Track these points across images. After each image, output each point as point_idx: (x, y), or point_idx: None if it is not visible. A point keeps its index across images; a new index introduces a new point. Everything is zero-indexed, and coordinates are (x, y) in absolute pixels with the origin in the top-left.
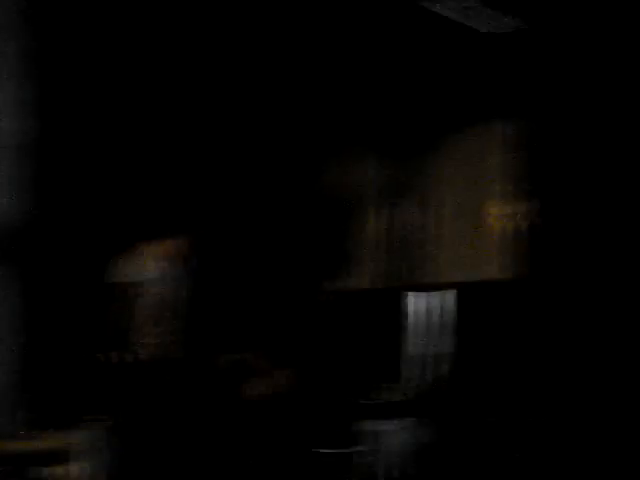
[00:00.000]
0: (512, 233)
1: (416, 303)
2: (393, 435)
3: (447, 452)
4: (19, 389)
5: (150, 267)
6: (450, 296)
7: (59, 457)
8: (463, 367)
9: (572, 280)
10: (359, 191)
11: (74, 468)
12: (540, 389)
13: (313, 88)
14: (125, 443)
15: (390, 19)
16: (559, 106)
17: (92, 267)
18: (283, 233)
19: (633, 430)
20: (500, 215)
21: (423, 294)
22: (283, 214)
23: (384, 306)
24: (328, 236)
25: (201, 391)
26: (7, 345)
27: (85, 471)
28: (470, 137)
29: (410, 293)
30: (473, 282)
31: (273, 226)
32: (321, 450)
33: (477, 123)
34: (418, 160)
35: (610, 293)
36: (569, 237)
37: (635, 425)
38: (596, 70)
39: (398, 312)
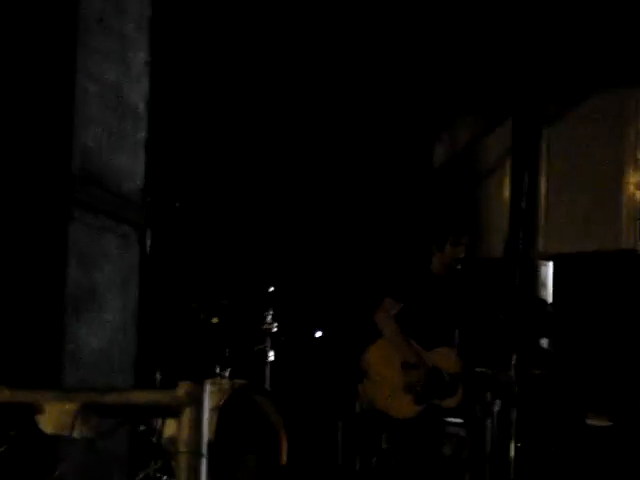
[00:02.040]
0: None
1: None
2: None
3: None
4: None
5: None
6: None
7: (168, 412)
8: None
9: None
10: (486, 158)
11: (185, 423)
12: None
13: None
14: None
15: None
16: None
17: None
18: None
19: None
20: (630, 184)
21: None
22: (407, 181)
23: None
24: (453, 205)
25: None
26: (126, 307)
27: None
28: (606, 104)
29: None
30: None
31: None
32: None
33: (614, 90)
34: (551, 127)
35: None
36: None
37: None
38: None
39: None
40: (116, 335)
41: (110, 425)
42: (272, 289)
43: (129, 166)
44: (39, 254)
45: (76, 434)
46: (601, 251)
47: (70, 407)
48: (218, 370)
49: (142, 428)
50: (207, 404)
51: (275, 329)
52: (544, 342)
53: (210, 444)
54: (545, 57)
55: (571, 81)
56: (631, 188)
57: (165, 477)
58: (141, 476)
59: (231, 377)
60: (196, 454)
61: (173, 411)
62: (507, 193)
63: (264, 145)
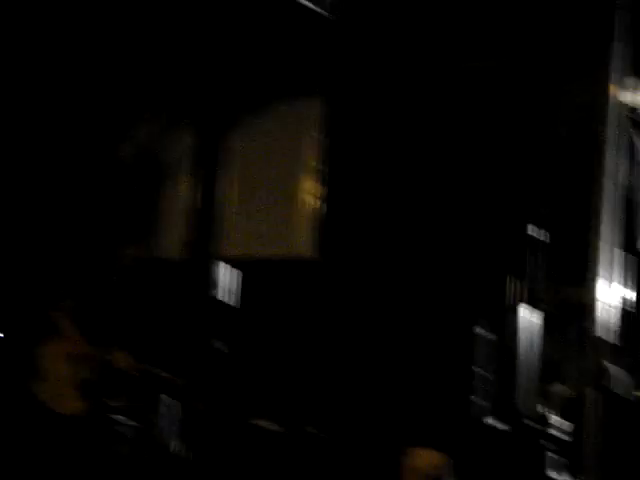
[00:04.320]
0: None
1: (225, 275)
2: None
3: None
4: None
5: None
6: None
7: None
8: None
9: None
10: (167, 159)
11: None
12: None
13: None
14: None
15: None
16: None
17: None
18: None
19: None
20: (306, 193)
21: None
22: (90, 178)
23: (189, 276)
24: (133, 203)
25: None
26: None
27: None
28: (288, 114)
29: (221, 264)
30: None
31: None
32: None
33: (295, 100)
34: (227, 133)
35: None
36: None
37: None
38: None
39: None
40: None
41: None
42: None
43: None
44: None
45: None
46: (279, 257)
47: None
48: None
49: None
50: None
51: None
52: (219, 345)
53: None
54: (227, 67)
55: (253, 92)
56: (309, 197)
57: None
58: None
59: None
60: None
61: None
62: (188, 194)
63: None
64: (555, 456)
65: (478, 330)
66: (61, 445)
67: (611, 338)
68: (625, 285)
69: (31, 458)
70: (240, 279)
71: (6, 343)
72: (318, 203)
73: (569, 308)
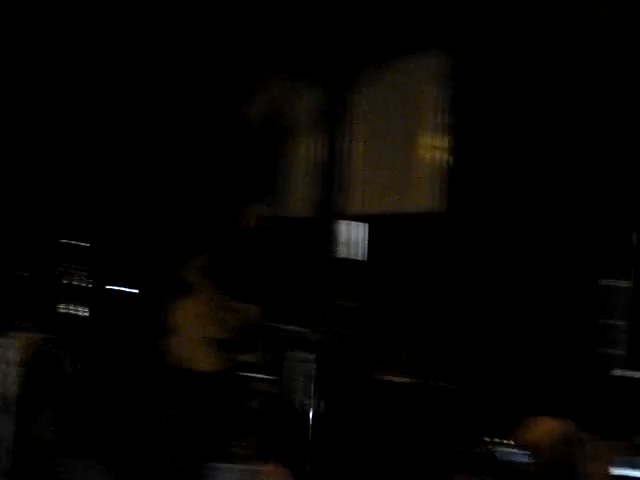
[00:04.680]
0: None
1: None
2: None
3: None
4: None
5: None
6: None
7: None
8: None
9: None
10: (292, 117)
11: None
12: None
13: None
14: None
15: None
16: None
17: None
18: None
19: None
20: (431, 146)
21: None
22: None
23: (316, 233)
24: (260, 162)
25: None
26: None
27: None
28: (406, 69)
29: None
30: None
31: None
32: None
33: (414, 55)
34: (351, 88)
35: None
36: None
37: None
38: None
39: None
40: None
41: None
42: (84, 245)
43: None
44: None
45: None
46: (409, 212)
47: None
48: (20, 324)
49: None
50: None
51: (85, 285)
52: (351, 302)
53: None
54: (351, 21)
55: (375, 47)
56: (431, 151)
57: None
58: None
59: (32, 331)
60: None
61: None
62: (315, 154)
63: None
64: None
65: (609, 280)
66: (195, 400)
67: None
68: None
69: (166, 412)
70: (366, 235)
71: (140, 299)
72: (443, 156)
73: None
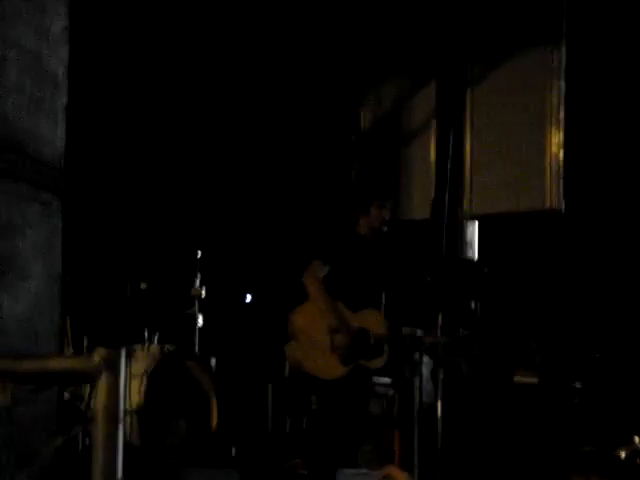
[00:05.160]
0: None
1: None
2: None
3: None
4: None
5: None
6: None
7: (87, 377)
8: None
9: None
10: (410, 120)
11: (101, 388)
12: None
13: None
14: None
15: None
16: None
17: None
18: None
19: None
20: (551, 144)
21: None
22: (333, 144)
23: (436, 235)
24: (377, 164)
25: None
26: (49, 274)
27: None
28: (528, 64)
29: (469, 223)
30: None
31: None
32: None
33: (535, 50)
34: (468, 88)
35: None
36: None
37: None
38: None
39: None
40: (40, 303)
41: (28, 392)
42: (200, 254)
43: (49, 132)
44: None
45: None
46: (526, 211)
47: None
48: (147, 335)
49: (68, 394)
50: (123, 370)
51: (204, 294)
52: (472, 303)
53: (140, 409)
54: (467, 17)
55: (493, 41)
56: (554, 148)
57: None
58: (61, 441)
59: (160, 342)
60: (112, 420)
61: (89, 377)
62: (432, 154)
63: (186, 113)
64: None
65: None
66: (320, 406)
67: None
68: None
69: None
70: (486, 234)
71: (257, 305)
72: (562, 154)
73: None
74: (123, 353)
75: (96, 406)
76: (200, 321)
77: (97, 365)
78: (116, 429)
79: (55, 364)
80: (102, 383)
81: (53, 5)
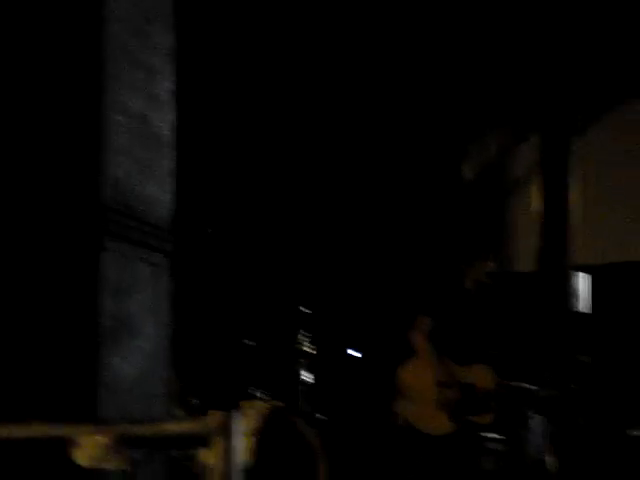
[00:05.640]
0: None
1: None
2: None
3: None
4: (173, 378)
5: None
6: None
7: (202, 440)
8: None
9: None
10: (515, 169)
11: (216, 451)
12: None
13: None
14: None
15: None
16: None
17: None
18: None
19: None
20: None
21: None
22: (438, 197)
23: (544, 287)
24: (483, 217)
25: None
26: (158, 334)
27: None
28: (638, 112)
29: (579, 274)
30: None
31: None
32: None
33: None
34: (574, 137)
35: None
36: None
37: None
38: None
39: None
40: (150, 363)
41: (144, 455)
42: (306, 310)
43: (158, 194)
44: (73, 285)
45: (110, 466)
46: (638, 260)
47: (104, 439)
48: (254, 392)
49: (176, 454)
50: (237, 433)
51: (310, 349)
52: (583, 356)
53: (248, 469)
54: (573, 67)
55: (599, 90)
56: None
57: None
58: None
59: (267, 399)
60: None
61: (205, 440)
62: (537, 205)
63: (291, 169)
64: None
65: None
66: (432, 464)
67: None
68: None
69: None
70: (596, 285)
71: (365, 362)
72: None
73: None
74: (238, 416)
75: (212, 469)
76: (307, 377)
77: (212, 428)
78: None
79: (171, 428)
80: (217, 446)
81: (161, 69)
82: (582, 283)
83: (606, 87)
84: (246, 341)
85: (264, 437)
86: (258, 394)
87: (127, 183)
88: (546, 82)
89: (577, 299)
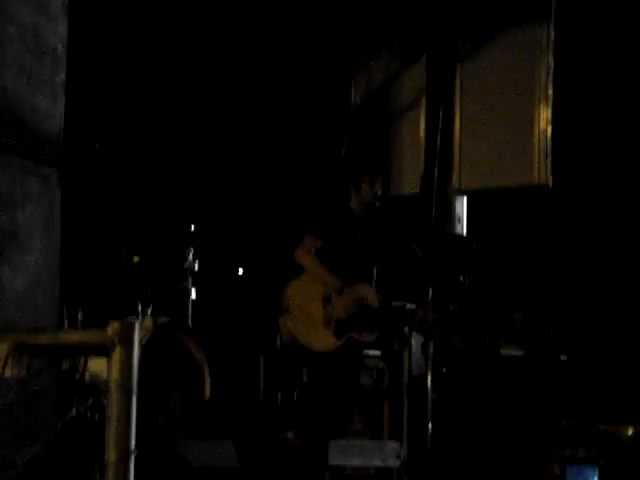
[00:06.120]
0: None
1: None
2: None
3: None
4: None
5: None
6: None
7: (101, 350)
8: None
9: None
10: (401, 95)
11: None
12: None
13: None
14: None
15: None
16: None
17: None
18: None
19: None
20: (539, 120)
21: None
22: (324, 121)
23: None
24: (368, 144)
25: None
26: (48, 248)
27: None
28: (518, 40)
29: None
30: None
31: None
32: None
33: (525, 26)
34: (457, 64)
35: None
36: None
37: None
38: None
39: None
40: (39, 276)
41: (40, 364)
42: (193, 228)
43: (48, 108)
44: None
45: (8, 373)
46: (514, 187)
47: (1, 347)
48: (140, 308)
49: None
50: (137, 343)
51: (196, 267)
52: (461, 278)
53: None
54: None
55: (483, 17)
56: (542, 124)
57: (95, 414)
58: (72, 414)
59: (153, 315)
60: (127, 391)
61: (103, 350)
62: (422, 130)
63: (178, 89)
64: None
65: None
66: (313, 379)
67: None
68: None
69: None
70: (475, 210)
71: (249, 279)
72: (550, 130)
73: None
74: (137, 326)
75: (111, 378)
76: (193, 294)
77: (112, 338)
78: (130, 401)
79: (71, 337)
80: (117, 356)
81: None
82: (459, 207)
83: (490, 10)
84: (133, 257)
85: (149, 351)
86: (143, 309)
87: (16, 95)
88: (429, 6)
89: (457, 223)
